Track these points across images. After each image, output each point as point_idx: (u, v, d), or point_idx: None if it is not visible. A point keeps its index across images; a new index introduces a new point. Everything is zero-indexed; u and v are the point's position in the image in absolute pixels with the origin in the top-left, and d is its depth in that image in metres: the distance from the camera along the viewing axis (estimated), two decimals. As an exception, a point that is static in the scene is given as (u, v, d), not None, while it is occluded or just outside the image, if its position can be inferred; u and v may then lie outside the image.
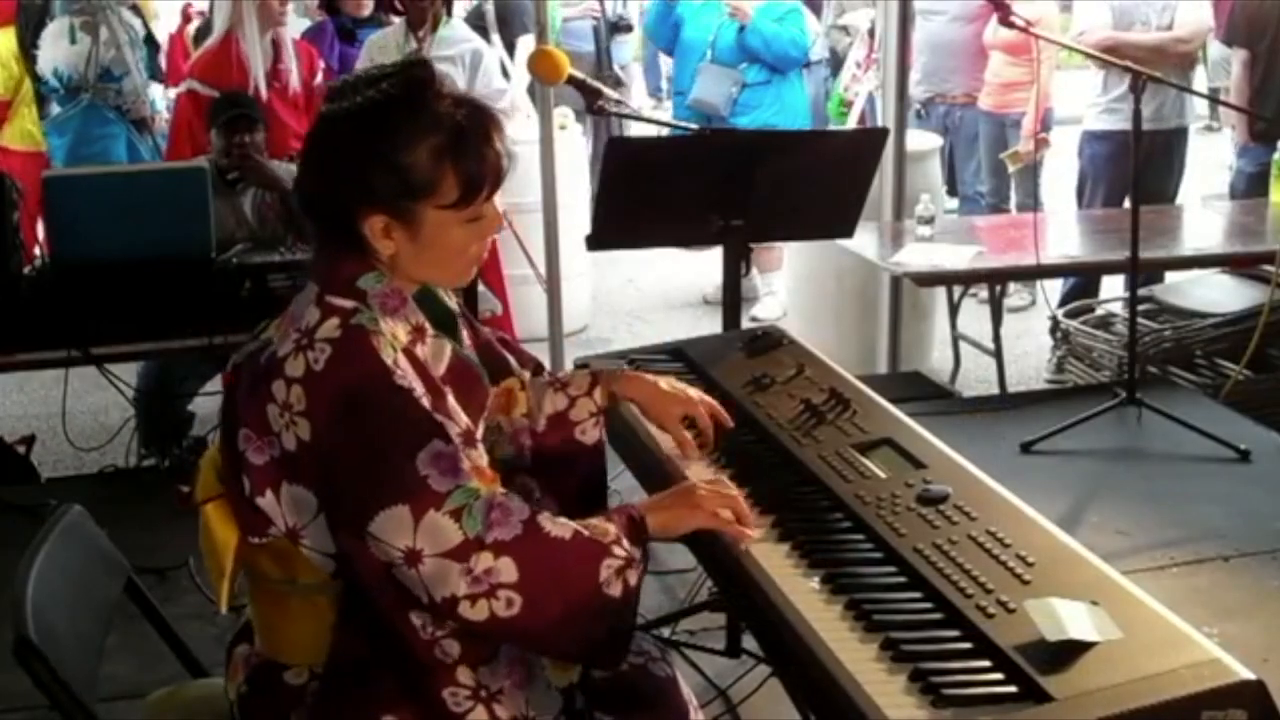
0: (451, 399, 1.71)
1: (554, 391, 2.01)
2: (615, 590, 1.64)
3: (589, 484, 2.01)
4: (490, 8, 7.28)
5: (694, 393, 2.03)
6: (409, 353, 1.69)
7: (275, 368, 1.66)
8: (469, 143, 1.67)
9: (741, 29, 5.99)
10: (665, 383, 2.03)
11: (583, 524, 1.67)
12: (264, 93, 4.60)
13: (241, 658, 1.83)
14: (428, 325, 1.77)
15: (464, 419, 1.72)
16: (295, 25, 4.96)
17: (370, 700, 1.68)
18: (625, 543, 1.66)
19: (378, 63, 2.07)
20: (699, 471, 1.98)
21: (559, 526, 1.65)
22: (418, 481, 1.60)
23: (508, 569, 1.59)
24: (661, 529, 1.74)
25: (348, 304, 1.68)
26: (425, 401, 1.65)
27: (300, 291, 1.76)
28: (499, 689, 1.68)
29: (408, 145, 1.65)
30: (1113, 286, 5.71)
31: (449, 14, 4.79)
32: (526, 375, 2.02)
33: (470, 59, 4.68)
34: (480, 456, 1.76)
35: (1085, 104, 5.92)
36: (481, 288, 3.77)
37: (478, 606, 1.59)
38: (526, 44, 6.81)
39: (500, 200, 1.77)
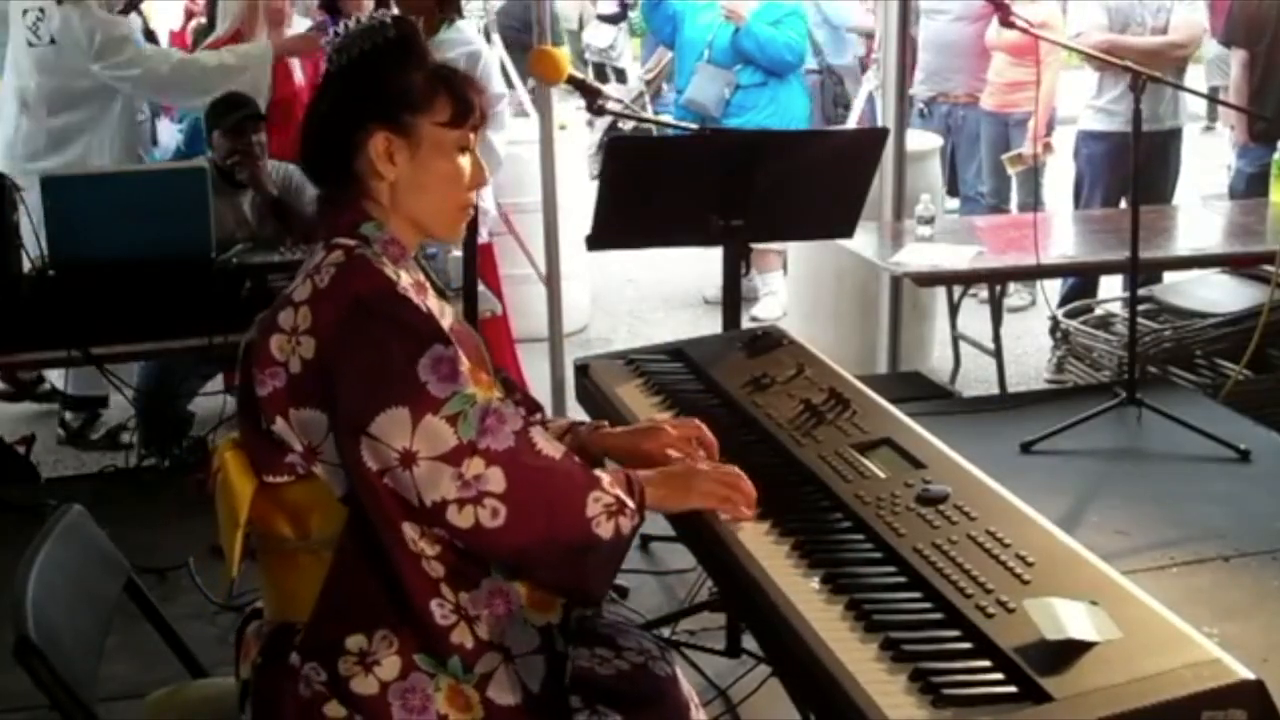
0: (446, 324, 1.78)
1: None
2: (605, 531, 1.70)
3: None
4: (491, 6, 7.29)
5: (672, 429, 2.01)
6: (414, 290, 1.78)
7: (284, 302, 1.76)
8: (455, 76, 1.86)
9: (736, 31, 6.00)
10: (639, 428, 2.04)
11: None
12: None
13: (253, 633, 1.85)
14: (428, 285, 1.86)
15: (456, 343, 1.76)
16: (296, 25, 4.95)
17: (366, 619, 1.72)
18: (619, 489, 1.73)
19: None
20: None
21: (550, 445, 1.73)
22: (417, 386, 1.67)
23: (496, 478, 1.66)
24: (658, 503, 1.80)
25: (352, 242, 1.80)
26: (425, 309, 1.74)
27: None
28: (477, 615, 1.73)
29: (403, 70, 1.82)
30: (1111, 286, 5.72)
31: (454, 17, 4.77)
32: None
33: (466, 61, 4.68)
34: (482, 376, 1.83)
35: (1082, 104, 5.92)
36: (481, 287, 3.77)
37: (465, 513, 1.66)
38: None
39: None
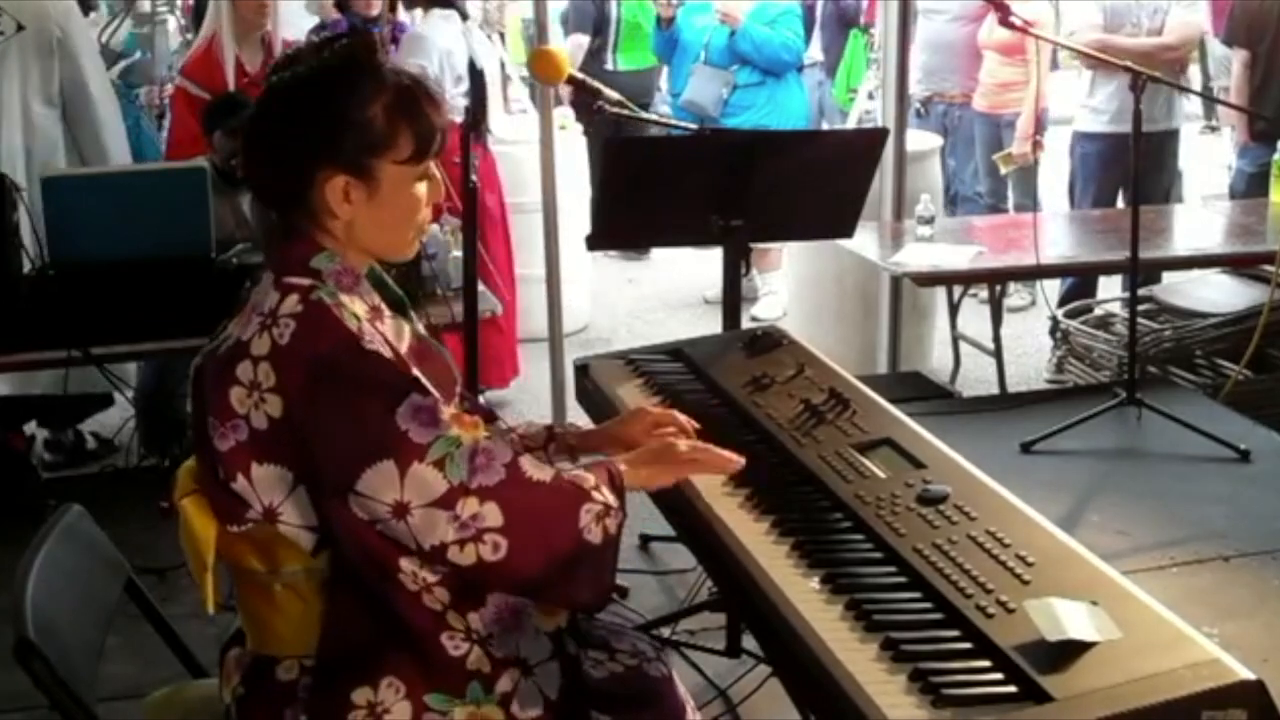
0: (417, 372, 1.74)
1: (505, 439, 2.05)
2: (595, 536, 1.70)
3: None
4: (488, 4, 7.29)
5: (651, 413, 2.05)
6: (371, 324, 1.73)
7: (239, 351, 1.69)
8: (417, 101, 1.76)
9: (732, 33, 5.99)
10: (621, 418, 2.07)
11: (563, 470, 1.74)
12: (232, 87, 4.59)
13: (234, 660, 1.84)
14: (384, 306, 1.82)
15: (434, 391, 1.73)
16: (305, 23, 4.93)
17: (369, 669, 1.70)
18: (605, 490, 1.73)
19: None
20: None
21: (540, 470, 1.71)
22: (399, 436, 1.65)
23: (492, 514, 1.65)
24: (639, 484, 1.82)
25: (305, 281, 1.73)
26: (392, 356, 1.70)
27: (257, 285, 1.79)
28: (489, 634, 1.73)
29: (364, 102, 1.73)
30: (1111, 286, 5.71)
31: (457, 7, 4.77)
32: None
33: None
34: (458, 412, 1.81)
35: (1075, 105, 5.92)
36: (482, 287, 3.77)
37: (465, 551, 1.65)
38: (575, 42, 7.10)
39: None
